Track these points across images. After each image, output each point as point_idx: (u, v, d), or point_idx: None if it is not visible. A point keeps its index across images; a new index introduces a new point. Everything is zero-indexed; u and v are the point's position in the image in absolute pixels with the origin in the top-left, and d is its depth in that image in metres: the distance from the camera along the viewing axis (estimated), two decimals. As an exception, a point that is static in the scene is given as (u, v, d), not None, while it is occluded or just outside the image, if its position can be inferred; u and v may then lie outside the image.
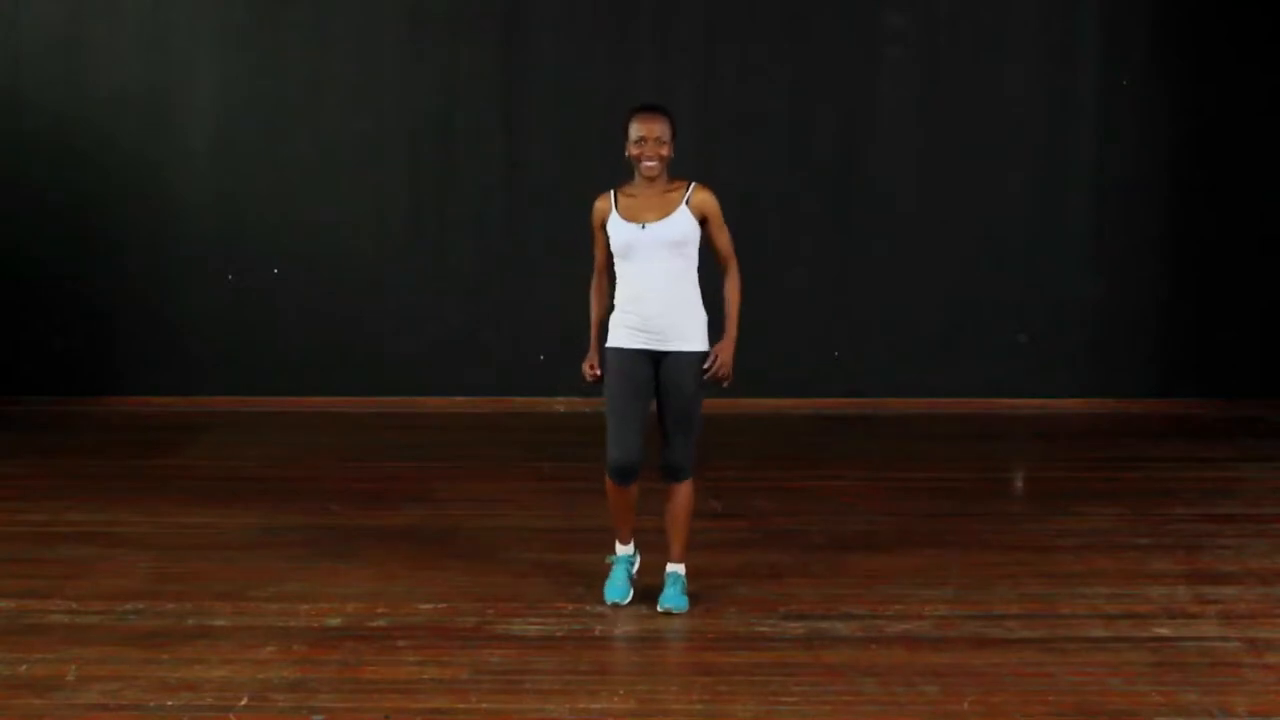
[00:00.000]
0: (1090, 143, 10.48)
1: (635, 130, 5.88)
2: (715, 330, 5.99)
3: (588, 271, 6.13)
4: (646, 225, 5.86)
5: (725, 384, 5.99)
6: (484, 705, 5.03)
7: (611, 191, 5.98)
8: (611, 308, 6.02)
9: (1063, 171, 10.52)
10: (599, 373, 6.00)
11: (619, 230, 5.90)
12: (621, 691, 5.14)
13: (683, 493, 6.00)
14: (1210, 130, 10.44)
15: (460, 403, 10.48)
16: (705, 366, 5.93)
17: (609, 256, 6.01)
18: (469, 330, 10.57)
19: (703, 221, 5.92)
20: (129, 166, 10.45)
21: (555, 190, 10.27)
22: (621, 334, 5.95)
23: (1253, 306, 10.51)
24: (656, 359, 5.93)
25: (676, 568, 6.06)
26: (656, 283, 5.88)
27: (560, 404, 10.30)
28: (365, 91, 10.47)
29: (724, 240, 5.99)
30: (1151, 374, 10.56)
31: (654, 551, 6.20)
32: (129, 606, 6.01)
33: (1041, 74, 10.49)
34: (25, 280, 10.47)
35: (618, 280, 6.00)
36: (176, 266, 10.52)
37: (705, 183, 5.97)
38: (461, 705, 5.03)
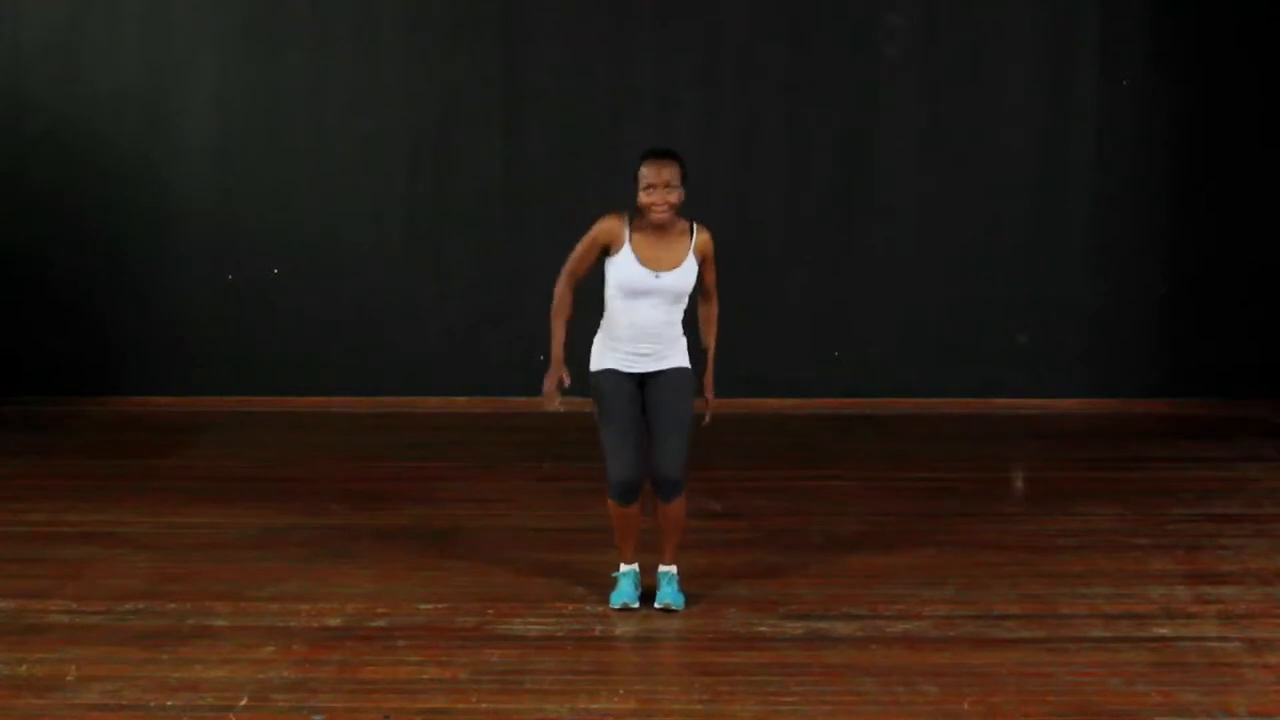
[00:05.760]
0: (1090, 143, 10.48)
1: (645, 177, 5.82)
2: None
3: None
4: (660, 275, 5.87)
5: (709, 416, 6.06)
6: (484, 705, 5.04)
7: (627, 217, 5.90)
8: (581, 326, 6.07)
9: (1063, 171, 10.52)
10: (566, 383, 5.99)
11: (632, 272, 5.86)
12: (621, 691, 5.15)
13: (676, 507, 5.99)
14: (1210, 130, 10.43)
15: (460, 403, 10.48)
16: (701, 397, 6.02)
17: (587, 272, 6.00)
18: (469, 330, 10.56)
19: (701, 262, 5.96)
20: (129, 166, 10.45)
21: (555, 191, 10.26)
22: (612, 358, 5.97)
23: (1253, 306, 10.51)
24: (643, 379, 5.96)
25: (668, 568, 6.08)
26: (658, 322, 5.92)
27: (560, 404, 10.27)
28: (365, 91, 10.46)
29: (713, 279, 6.05)
30: (1151, 374, 10.55)
31: (647, 552, 6.19)
32: (129, 606, 6.02)
33: (1041, 74, 10.48)
34: (25, 280, 10.46)
35: (610, 306, 5.98)
36: (176, 266, 10.51)
37: (704, 222, 5.99)
38: (461, 705, 5.04)
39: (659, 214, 5.81)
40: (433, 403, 10.46)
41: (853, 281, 10.56)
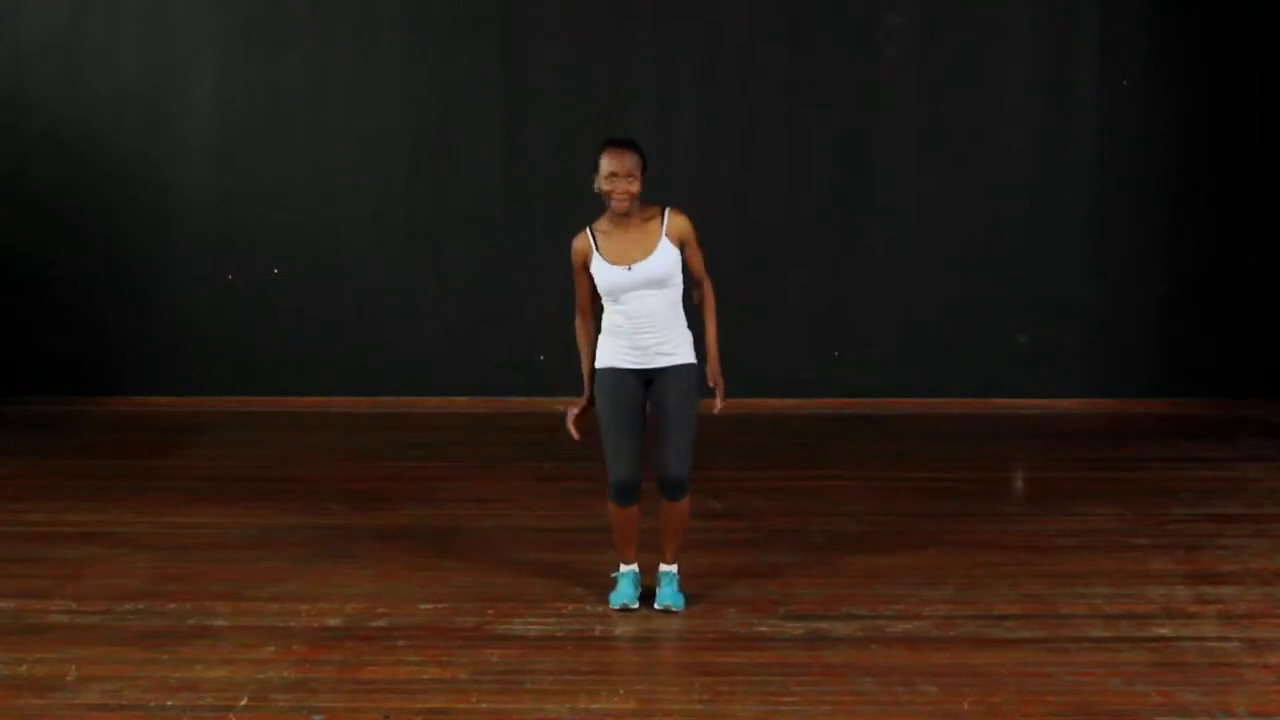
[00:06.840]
0: (1090, 143, 10.48)
1: (605, 165, 5.85)
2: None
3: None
4: (633, 267, 5.87)
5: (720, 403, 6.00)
6: (484, 705, 5.04)
7: (588, 230, 5.96)
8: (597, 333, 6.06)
9: (1063, 171, 10.51)
10: (582, 412, 6.04)
11: (605, 274, 5.90)
12: (621, 691, 5.15)
13: (680, 506, 5.99)
14: (1210, 130, 10.43)
15: (460, 403, 10.48)
16: (709, 385, 5.98)
17: (592, 293, 6.01)
18: (469, 330, 10.56)
19: (681, 246, 5.94)
20: (129, 166, 10.45)
21: (555, 191, 10.24)
22: (611, 355, 5.97)
23: (1253, 306, 10.51)
24: (648, 377, 5.95)
25: (669, 568, 6.07)
26: (646, 315, 5.90)
27: (560, 404, 10.25)
28: (365, 91, 10.45)
29: (698, 261, 6.00)
30: (1151, 374, 10.55)
31: (647, 551, 6.19)
32: (129, 606, 6.02)
33: (1041, 74, 10.48)
34: (25, 280, 10.47)
35: (606, 311, 6.00)
36: (176, 266, 10.52)
37: (677, 206, 5.97)
38: (461, 705, 5.04)
39: (620, 203, 5.84)
40: (433, 403, 10.46)
41: (853, 281, 10.55)
